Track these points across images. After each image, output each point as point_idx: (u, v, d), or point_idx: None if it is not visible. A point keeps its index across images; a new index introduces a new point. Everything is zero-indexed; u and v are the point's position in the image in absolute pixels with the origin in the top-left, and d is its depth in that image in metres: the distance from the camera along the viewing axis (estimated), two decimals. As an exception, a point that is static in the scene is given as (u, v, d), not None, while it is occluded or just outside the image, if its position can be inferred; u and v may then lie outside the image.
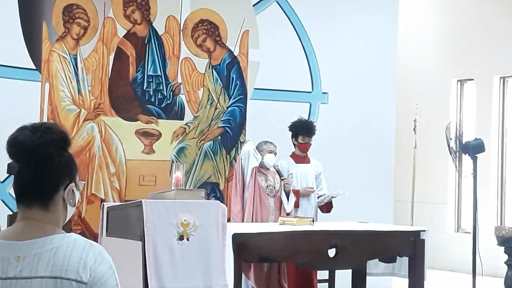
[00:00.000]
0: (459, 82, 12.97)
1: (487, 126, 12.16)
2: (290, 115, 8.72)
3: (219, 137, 9.34)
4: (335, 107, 9.95)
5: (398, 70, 10.99)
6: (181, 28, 9.19)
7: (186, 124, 9.18)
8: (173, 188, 6.53)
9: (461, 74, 12.83)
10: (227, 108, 9.40)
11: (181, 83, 9.16)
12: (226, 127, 9.38)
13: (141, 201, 6.02)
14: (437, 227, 12.24)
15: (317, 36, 9.89)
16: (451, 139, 9.16)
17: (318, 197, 8.51)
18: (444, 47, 12.99)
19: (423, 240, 7.45)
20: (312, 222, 7.43)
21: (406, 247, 7.41)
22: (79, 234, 2.30)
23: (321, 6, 9.96)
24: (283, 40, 9.75)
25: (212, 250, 6.12)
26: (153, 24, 9.05)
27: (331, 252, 7.04)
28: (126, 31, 8.93)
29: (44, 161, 2.25)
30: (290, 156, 8.56)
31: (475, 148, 8.97)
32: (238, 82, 9.46)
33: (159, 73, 9.05)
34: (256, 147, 8.15)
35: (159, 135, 9.04)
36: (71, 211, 2.33)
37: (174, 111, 9.13)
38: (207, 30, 9.33)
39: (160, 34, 9.07)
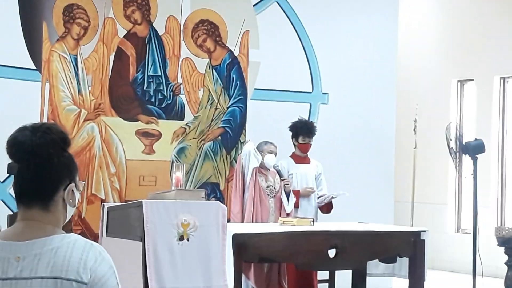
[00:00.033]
0: (459, 83, 12.96)
1: (487, 126, 12.15)
2: (290, 116, 8.72)
3: (219, 137, 9.34)
4: (335, 107, 9.94)
5: (399, 70, 10.99)
6: (182, 28, 9.18)
7: (186, 124, 9.18)
8: (173, 188, 6.53)
9: (461, 75, 12.82)
10: (227, 108, 9.39)
11: (181, 83, 9.16)
12: (226, 127, 9.37)
13: (141, 201, 6.02)
14: (437, 227, 12.23)
15: (318, 37, 9.88)
16: (451, 139, 9.16)
17: (318, 198, 8.50)
18: (444, 48, 12.99)
19: (423, 240, 7.44)
20: (312, 223, 7.43)
21: (406, 248, 7.41)
22: (79, 234, 2.30)
23: (322, 7, 9.95)
24: (283, 40, 9.75)
25: (212, 250, 6.12)
26: (153, 24, 9.05)
27: (331, 253, 7.03)
28: (126, 31, 8.93)
29: (44, 161, 2.24)
30: (290, 156, 8.55)
31: (475, 149, 8.96)
32: (238, 82, 9.46)
33: (159, 73, 9.04)
34: (257, 148, 8.14)
35: (159, 135, 9.04)
36: (71, 211, 2.33)
37: (174, 111, 9.13)
38: (207, 30, 9.32)
39: (160, 34, 9.07)
